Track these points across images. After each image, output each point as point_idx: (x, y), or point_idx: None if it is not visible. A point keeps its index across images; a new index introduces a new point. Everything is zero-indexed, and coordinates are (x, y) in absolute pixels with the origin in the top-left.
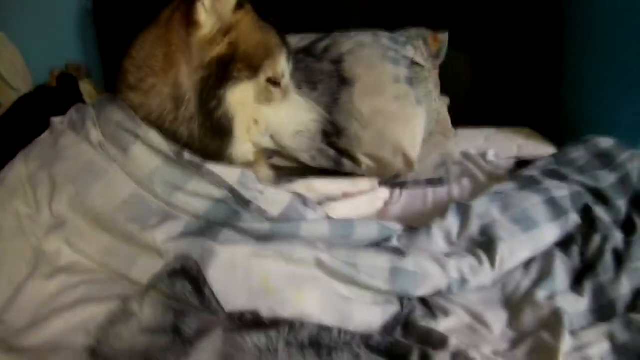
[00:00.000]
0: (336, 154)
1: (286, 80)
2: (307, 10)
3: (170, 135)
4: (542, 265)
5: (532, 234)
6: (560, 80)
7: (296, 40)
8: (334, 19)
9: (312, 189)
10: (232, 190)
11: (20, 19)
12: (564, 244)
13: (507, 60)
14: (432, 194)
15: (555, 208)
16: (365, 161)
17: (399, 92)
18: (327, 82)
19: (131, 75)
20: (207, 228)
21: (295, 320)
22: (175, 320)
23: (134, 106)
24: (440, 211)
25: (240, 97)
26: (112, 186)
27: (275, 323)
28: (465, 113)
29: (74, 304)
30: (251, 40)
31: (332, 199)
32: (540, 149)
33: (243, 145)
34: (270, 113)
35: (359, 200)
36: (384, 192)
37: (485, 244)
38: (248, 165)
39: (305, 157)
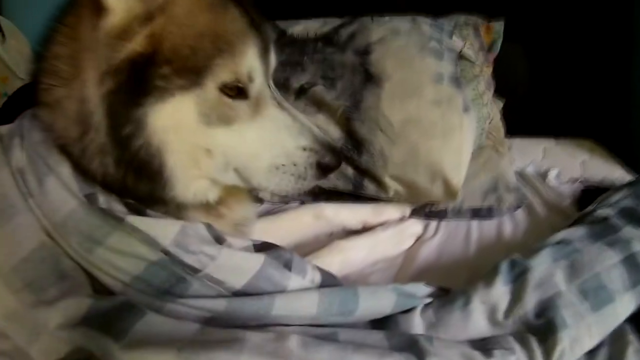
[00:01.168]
0: (356, 174)
1: (258, 86)
2: None
3: (82, 170)
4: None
5: (604, 312)
6: (629, 83)
7: (317, 26)
8: (366, 2)
9: (321, 217)
10: (168, 254)
11: (29, 9)
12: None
13: (569, 57)
14: (478, 230)
15: (634, 270)
16: (393, 185)
17: (441, 95)
18: (349, 78)
19: (41, 82)
20: (122, 310)
21: None
22: None
23: (46, 125)
24: (486, 254)
25: (171, 119)
26: (17, 234)
27: None
28: (520, 119)
29: None
30: (189, 28)
31: (348, 230)
32: (607, 167)
33: (192, 184)
34: (230, 139)
35: (382, 237)
36: (415, 226)
37: (542, 331)
38: (207, 208)
39: None
